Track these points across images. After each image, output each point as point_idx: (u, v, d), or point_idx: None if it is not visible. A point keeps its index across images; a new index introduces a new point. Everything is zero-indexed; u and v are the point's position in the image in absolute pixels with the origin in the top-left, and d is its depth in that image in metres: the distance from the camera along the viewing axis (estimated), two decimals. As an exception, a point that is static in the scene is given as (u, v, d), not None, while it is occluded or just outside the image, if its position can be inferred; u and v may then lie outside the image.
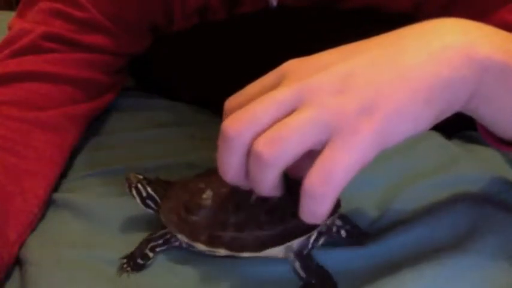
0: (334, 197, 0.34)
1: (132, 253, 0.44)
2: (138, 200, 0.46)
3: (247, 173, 0.36)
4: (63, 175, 0.57)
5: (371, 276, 0.40)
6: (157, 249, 0.44)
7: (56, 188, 0.55)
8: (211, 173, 0.45)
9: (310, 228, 0.40)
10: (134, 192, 0.46)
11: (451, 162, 0.52)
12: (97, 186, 0.54)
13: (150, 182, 0.46)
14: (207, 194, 0.42)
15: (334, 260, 0.42)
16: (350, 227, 0.44)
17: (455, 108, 0.36)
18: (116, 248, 0.45)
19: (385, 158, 0.52)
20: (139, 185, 0.46)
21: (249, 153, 0.35)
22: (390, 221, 0.46)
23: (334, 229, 0.43)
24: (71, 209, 0.51)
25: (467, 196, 0.47)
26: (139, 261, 0.44)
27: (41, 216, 0.51)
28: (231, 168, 0.36)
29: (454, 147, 0.55)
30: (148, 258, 0.44)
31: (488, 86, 0.36)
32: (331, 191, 0.33)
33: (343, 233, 0.43)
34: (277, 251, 0.41)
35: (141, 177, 0.46)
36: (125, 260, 0.44)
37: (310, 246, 0.41)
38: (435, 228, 0.43)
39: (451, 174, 0.50)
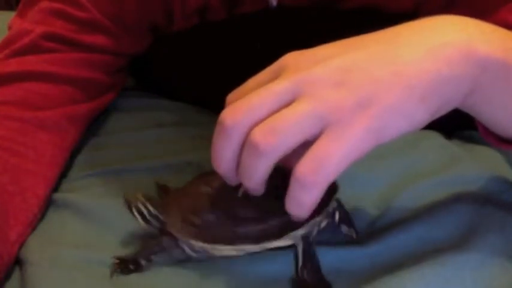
0: (324, 187, 0.34)
1: (125, 259, 0.44)
2: (139, 219, 0.45)
3: (237, 166, 0.36)
4: (63, 175, 0.57)
5: (371, 276, 0.40)
6: (152, 258, 0.44)
7: (56, 188, 0.55)
8: (206, 176, 0.45)
9: (320, 208, 0.39)
10: (135, 212, 0.45)
11: (451, 162, 0.52)
12: (97, 186, 0.54)
13: (149, 199, 0.45)
14: (212, 196, 0.42)
15: (335, 259, 0.42)
16: (342, 212, 0.44)
17: (453, 105, 0.36)
18: (115, 248, 0.45)
19: (385, 158, 0.52)
20: (140, 205, 0.45)
21: (244, 143, 0.35)
22: (390, 221, 0.46)
23: (331, 209, 0.42)
24: (71, 209, 0.51)
25: (467, 196, 0.47)
26: (131, 267, 0.43)
27: (41, 216, 0.51)
28: (224, 159, 0.37)
29: (454, 147, 0.55)
30: (141, 267, 0.43)
31: (487, 84, 0.36)
32: (321, 180, 0.34)
33: (336, 216, 0.43)
34: (289, 238, 0.41)
35: (140, 195, 0.45)
36: (117, 261, 0.44)
37: (315, 230, 0.41)
38: (435, 228, 0.43)
39: (451, 174, 0.50)
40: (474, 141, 0.57)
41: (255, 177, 0.36)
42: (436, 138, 0.56)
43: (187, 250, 0.43)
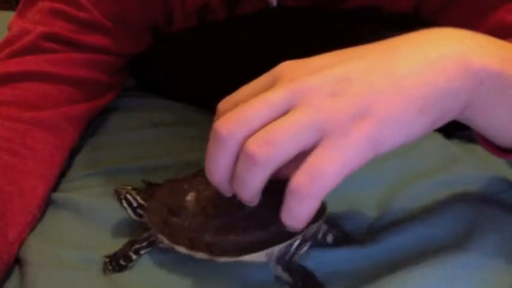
0: (319, 198, 0.33)
1: (115, 254, 0.44)
2: (129, 211, 0.46)
3: (232, 176, 0.36)
4: (63, 175, 0.57)
5: (371, 276, 0.40)
6: (142, 252, 0.44)
7: (55, 188, 0.55)
8: (200, 173, 0.44)
9: (291, 235, 0.39)
10: (125, 203, 0.45)
11: (451, 162, 0.52)
12: (97, 186, 0.54)
13: (139, 192, 0.46)
14: (190, 196, 0.42)
15: (334, 260, 0.42)
16: (336, 232, 0.43)
17: (450, 117, 0.36)
18: (115, 248, 0.45)
19: (385, 158, 0.51)
20: (128, 196, 0.45)
21: (239, 154, 0.35)
22: (390, 221, 0.46)
23: (320, 235, 0.42)
24: (70, 209, 0.51)
25: (467, 196, 0.47)
26: (122, 262, 0.43)
27: (41, 216, 0.51)
28: (219, 169, 0.36)
29: (454, 147, 0.55)
30: (131, 260, 0.44)
31: (484, 96, 0.36)
32: (317, 192, 0.33)
33: (329, 238, 0.43)
34: (257, 257, 0.40)
35: (129, 187, 0.46)
36: (107, 259, 0.44)
37: (292, 252, 0.41)
38: (435, 228, 0.43)
39: (451, 174, 0.50)
40: (474, 141, 0.57)
41: (250, 188, 0.36)
42: (436, 138, 0.56)
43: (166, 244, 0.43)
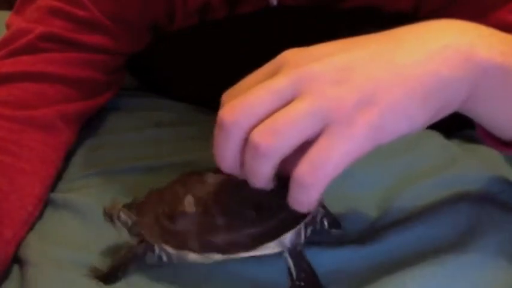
0: (323, 186, 0.34)
1: (102, 276, 0.42)
2: (125, 232, 0.43)
3: (242, 163, 0.36)
4: (62, 175, 0.56)
5: (371, 276, 0.40)
6: (130, 268, 0.43)
7: (55, 188, 0.55)
8: (184, 179, 0.44)
9: (299, 218, 0.39)
10: (119, 224, 0.43)
11: (451, 162, 0.52)
12: (97, 186, 0.54)
13: (130, 207, 0.43)
14: (188, 200, 0.41)
15: (335, 259, 0.42)
16: (330, 217, 0.43)
17: (452, 108, 0.36)
18: (115, 249, 0.45)
19: (385, 158, 0.52)
20: (122, 214, 0.43)
21: (246, 143, 0.35)
22: (390, 221, 0.46)
23: (318, 217, 0.42)
24: (70, 210, 0.51)
25: (467, 195, 0.47)
26: (109, 280, 0.42)
27: (41, 216, 0.51)
28: (227, 157, 0.36)
29: (454, 147, 0.56)
30: (118, 280, 0.42)
31: (485, 87, 0.36)
32: (320, 180, 0.34)
33: (325, 222, 0.43)
34: (271, 248, 0.40)
35: (119, 205, 0.43)
36: (94, 275, 0.43)
37: (302, 239, 0.40)
38: (435, 228, 0.43)
39: (451, 174, 0.50)
40: (474, 141, 0.57)
41: (260, 177, 0.36)
42: (436, 138, 0.56)
43: (161, 254, 0.41)
